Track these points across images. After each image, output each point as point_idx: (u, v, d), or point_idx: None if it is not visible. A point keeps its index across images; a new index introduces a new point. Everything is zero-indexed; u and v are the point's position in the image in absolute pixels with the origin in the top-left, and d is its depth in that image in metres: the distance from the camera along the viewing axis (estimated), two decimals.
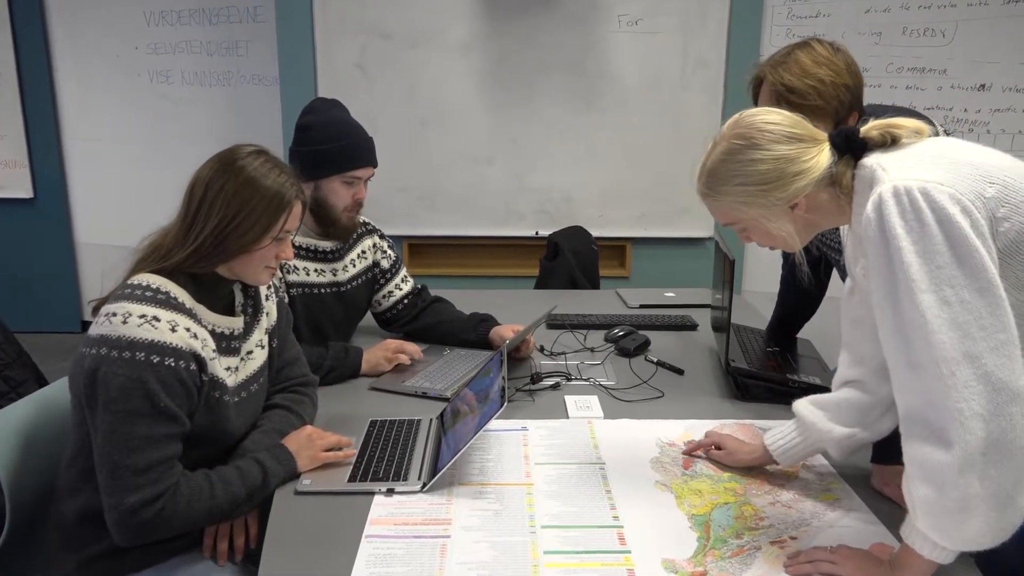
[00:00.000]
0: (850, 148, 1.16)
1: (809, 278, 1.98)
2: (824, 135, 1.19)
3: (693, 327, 2.37)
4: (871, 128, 1.16)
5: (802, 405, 1.42)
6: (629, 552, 1.22)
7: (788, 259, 2.14)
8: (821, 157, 1.17)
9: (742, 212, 1.21)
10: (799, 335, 2.20)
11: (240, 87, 4.08)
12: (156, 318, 1.30)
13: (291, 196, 1.40)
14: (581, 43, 3.52)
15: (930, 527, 1.06)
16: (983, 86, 3.28)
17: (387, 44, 3.53)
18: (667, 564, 1.19)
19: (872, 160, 1.14)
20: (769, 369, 1.91)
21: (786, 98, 1.60)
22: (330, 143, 1.90)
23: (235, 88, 4.09)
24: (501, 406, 1.39)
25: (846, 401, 1.36)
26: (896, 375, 1.08)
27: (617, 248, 3.76)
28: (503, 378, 1.47)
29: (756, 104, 1.71)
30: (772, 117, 1.18)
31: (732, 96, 3.56)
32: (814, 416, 1.38)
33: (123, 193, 4.29)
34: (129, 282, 1.36)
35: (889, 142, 1.15)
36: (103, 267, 4.17)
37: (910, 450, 1.07)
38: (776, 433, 1.45)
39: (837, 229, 1.76)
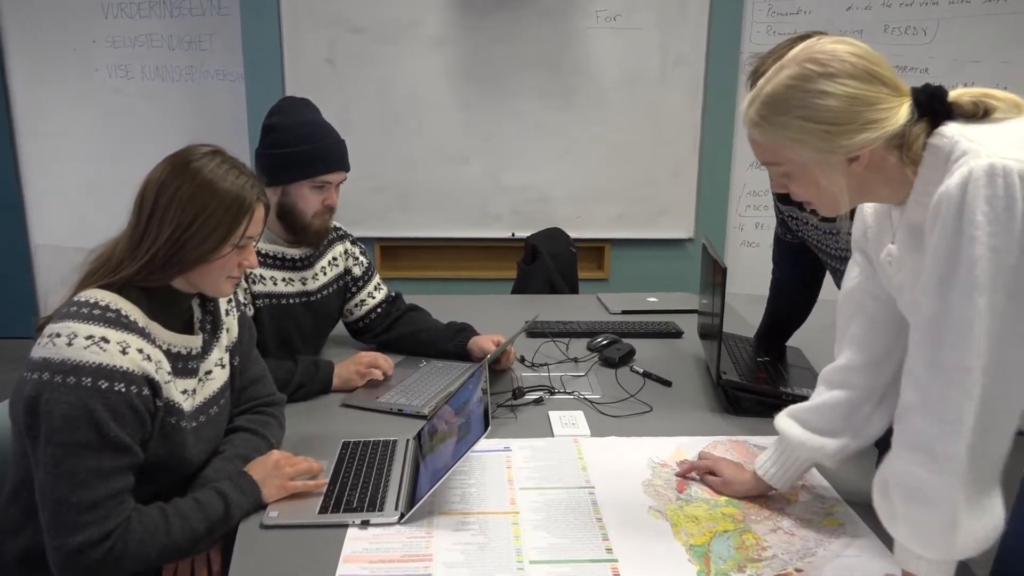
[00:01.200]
0: (932, 110, 1.00)
1: (832, 269, 1.86)
2: (907, 88, 1.02)
3: (678, 334, 2.29)
4: (963, 94, 1.01)
5: (787, 423, 1.34)
6: None
7: (779, 263, 2.06)
8: (901, 111, 1.00)
9: (793, 152, 1.04)
10: (788, 343, 2.12)
11: (203, 83, 3.93)
12: (104, 339, 1.18)
13: (252, 199, 1.28)
14: (558, 39, 3.42)
15: (919, 543, 1.02)
16: (964, 85, 3.24)
17: (358, 38, 3.40)
18: None
19: (954, 130, 0.99)
20: (760, 381, 1.83)
21: None
22: (299, 145, 1.78)
23: (198, 84, 3.94)
24: (485, 430, 1.29)
25: (828, 406, 1.29)
26: (913, 369, 1.00)
27: (595, 249, 3.67)
28: (486, 398, 1.37)
29: None
30: (855, 49, 1.01)
31: (712, 93, 3.49)
32: (802, 435, 1.31)
33: (81, 193, 4.11)
34: (75, 299, 1.23)
35: (980, 114, 1.00)
36: (61, 269, 3.99)
37: (896, 464, 1.03)
38: (766, 460, 1.37)
39: (835, 233, 1.69)
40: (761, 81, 1.06)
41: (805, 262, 1.95)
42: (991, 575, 1.28)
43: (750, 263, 3.44)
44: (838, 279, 1.80)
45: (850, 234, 1.65)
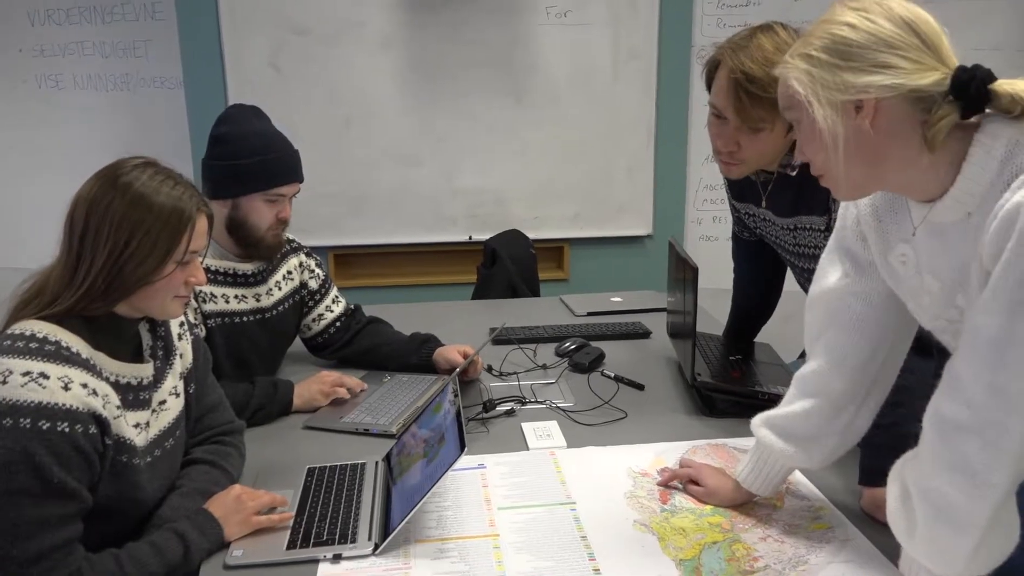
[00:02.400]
0: (966, 93, 0.91)
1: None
2: (954, 63, 0.92)
3: (646, 335, 2.25)
4: (1002, 83, 0.90)
5: (766, 435, 1.29)
6: None
7: (739, 261, 2.04)
8: (928, 75, 0.90)
9: (801, 86, 0.96)
10: (757, 339, 2.10)
11: (140, 91, 3.76)
12: (44, 375, 1.09)
13: (192, 210, 1.19)
14: (508, 36, 3.36)
15: (937, 563, 0.97)
16: None
17: (302, 40, 3.29)
18: None
19: (1013, 130, 0.89)
20: (733, 380, 1.80)
21: (745, 88, 1.47)
22: (250, 157, 1.68)
23: (135, 92, 3.76)
24: (461, 450, 1.22)
25: (808, 413, 1.24)
26: (964, 386, 0.92)
27: (554, 250, 3.62)
28: (459, 414, 1.30)
29: (710, 93, 1.57)
30: (907, 2, 0.94)
31: (665, 88, 3.47)
32: (786, 448, 1.26)
33: (10, 211, 3.91)
34: (9, 332, 1.13)
35: (1018, 113, 0.90)
36: None
37: (929, 480, 0.96)
38: (747, 470, 1.32)
39: (792, 229, 1.66)
40: None
41: (765, 259, 1.93)
42: None
43: (710, 257, 3.43)
44: (797, 274, 1.78)
45: (807, 229, 1.63)
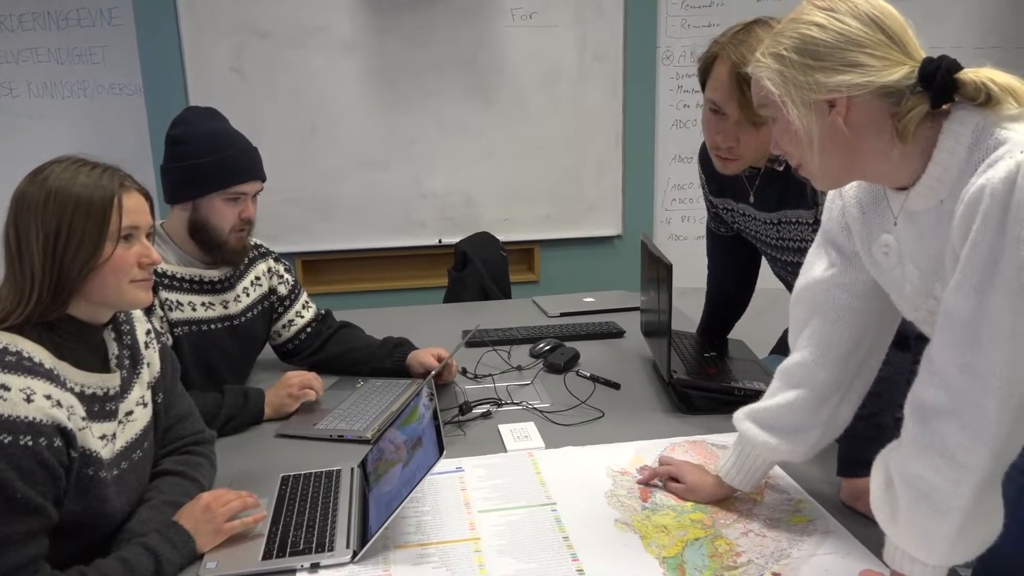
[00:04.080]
0: (933, 83, 0.92)
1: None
2: (921, 55, 0.95)
3: (620, 334, 2.24)
4: (967, 72, 0.93)
5: (749, 428, 1.29)
6: None
7: (714, 257, 2.04)
8: (897, 70, 0.93)
9: (775, 86, 0.98)
10: (730, 335, 2.11)
11: (98, 98, 3.68)
12: (5, 387, 1.05)
13: (112, 188, 1.16)
14: (474, 38, 3.35)
15: (921, 549, 0.98)
16: None
17: (265, 44, 3.24)
18: None
19: (979, 117, 0.91)
20: (709, 377, 1.80)
21: (747, 81, 1.47)
22: (206, 156, 1.64)
23: (92, 99, 3.68)
24: (439, 455, 1.20)
25: (793, 405, 1.24)
26: (940, 370, 0.93)
27: (524, 252, 3.61)
28: (436, 417, 1.28)
29: (704, 90, 1.57)
30: (874, 0, 0.96)
31: (631, 88, 3.48)
32: (771, 441, 1.26)
33: None
34: None
35: (982, 100, 0.92)
36: None
37: (910, 465, 0.97)
38: (729, 465, 1.32)
39: (776, 224, 1.67)
40: None
41: (740, 254, 1.94)
42: (974, 572, 1.27)
43: (679, 256, 3.42)
44: (779, 268, 1.79)
45: (792, 223, 1.64)
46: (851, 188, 1.14)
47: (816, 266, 1.21)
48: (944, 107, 0.95)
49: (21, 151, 3.69)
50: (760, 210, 1.68)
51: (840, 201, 1.16)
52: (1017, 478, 1.19)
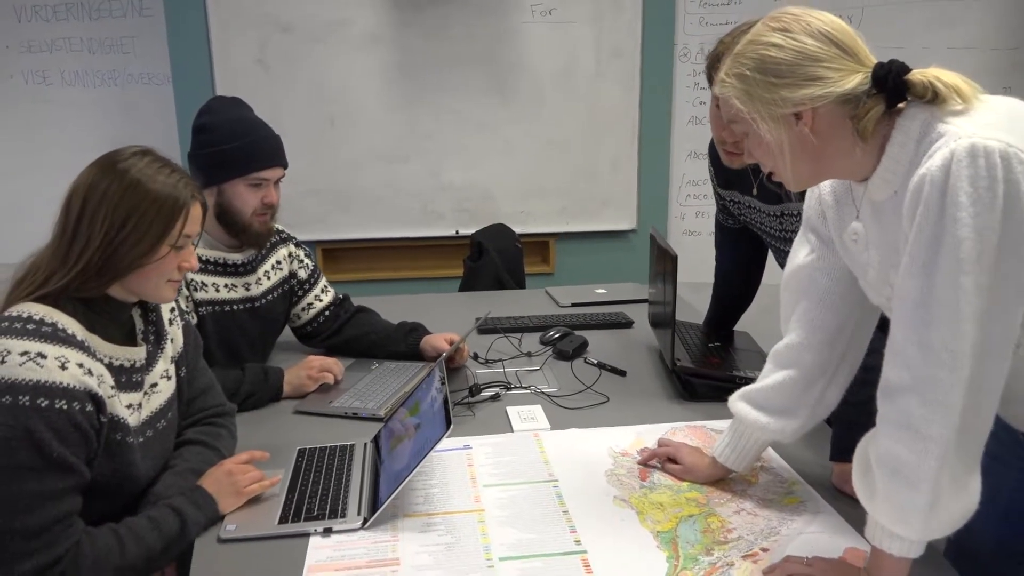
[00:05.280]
0: (885, 86, 1.00)
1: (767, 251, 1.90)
2: (872, 62, 1.02)
3: (629, 324, 2.30)
4: (915, 73, 1.00)
5: (743, 408, 1.35)
6: None
7: (722, 248, 2.09)
8: (852, 78, 1.00)
9: (743, 104, 1.05)
10: (736, 327, 2.15)
11: (128, 87, 3.78)
12: (41, 354, 1.12)
13: (186, 197, 1.23)
14: (493, 34, 3.41)
15: (897, 523, 1.02)
16: None
17: (289, 38, 3.32)
18: None
19: (927, 113, 0.98)
20: (712, 366, 1.85)
21: None
22: (231, 142, 1.72)
23: (123, 88, 3.79)
24: (447, 428, 1.27)
25: (782, 386, 1.30)
26: (899, 350, 0.99)
27: (540, 244, 3.68)
28: (446, 397, 1.35)
29: (711, 86, 1.62)
30: (821, 15, 1.03)
31: (648, 85, 3.52)
32: (761, 419, 1.32)
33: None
34: (6, 314, 1.17)
35: (928, 97, 0.99)
36: None
37: (882, 443, 1.02)
38: (723, 445, 1.38)
39: (779, 216, 1.72)
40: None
41: (747, 246, 1.98)
42: (947, 548, 1.31)
43: (693, 251, 3.49)
44: (782, 260, 1.83)
45: (795, 216, 1.69)
46: (826, 181, 1.19)
47: (800, 252, 1.27)
48: (900, 106, 1.02)
49: (55, 138, 3.81)
50: (764, 202, 1.73)
51: (817, 191, 1.24)
52: (987, 462, 1.24)
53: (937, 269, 0.93)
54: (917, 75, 1.00)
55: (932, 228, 0.93)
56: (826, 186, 1.21)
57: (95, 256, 1.18)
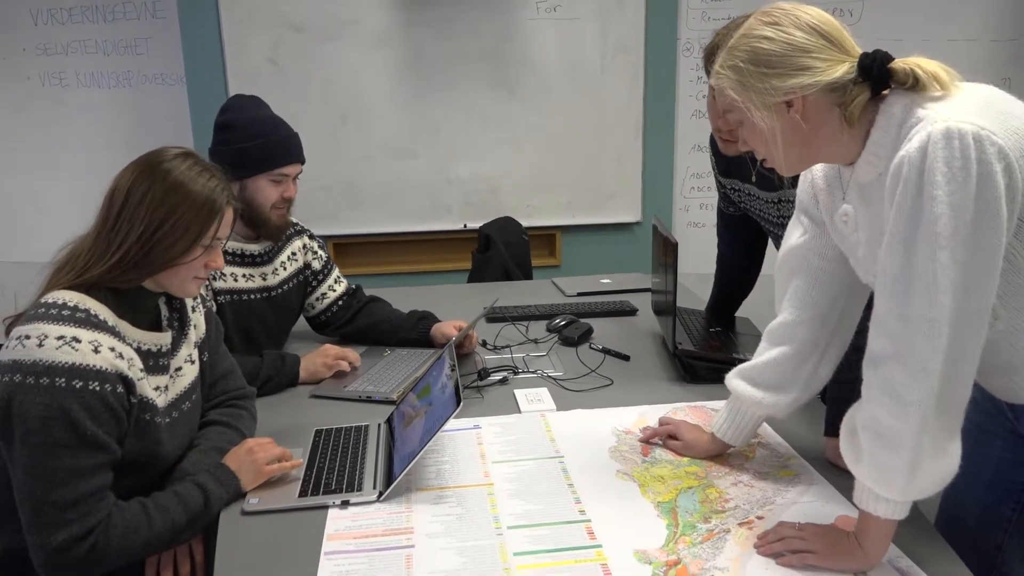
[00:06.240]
0: (870, 74, 1.06)
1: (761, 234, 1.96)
2: (857, 52, 1.09)
3: (632, 312, 2.36)
4: (897, 62, 1.07)
5: (739, 384, 1.42)
6: (600, 546, 1.18)
7: (723, 236, 2.15)
8: (839, 67, 1.07)
9: (737, 94, 1.11)
10: (737, 314, 2.21)
11: (142, 88, 3.86)
12: (76, 339, 1.19)
13: (223, 201, 1.30)
14: (499, 31, 3.47)
15: (880, 484, 1.08)
16: None
17: (300, 37, 3.40)
18: (640, 555, 1.16)
19: (908, 99, 1.05)
20: (713, 349, 1.91)
21: None
22: (254, 140, 1.79)
23: (137, 89, 3.87)
24: (457, 406, 1.34)
25: (776, 362, 1.37)
26: (882, 321, 1.06)
27: (547, 237, 3.74)
28: (456, 376, 1.41)
29: (709, 78, 1.67)
30: (809, 9, 1.09)
31: (652, 79, 3.58)
32: (756, 394, 1.39)
33: (14, 205, 4.00)
34: (43, 300, 1.24)
35: (910, 83, 1.05)
36: (2, 284, 3.87)
37: (866, 409, 1.09)
38: (721, 421, 1.44)
39: (776, 202, 1.77)
40: None
41: (748, 233, 2.04)
42: (937, 517, 1.37)
43: (697, 243, 3.54)
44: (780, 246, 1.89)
45: (791, 202, 1.74)
46: (818, 164, 1.25)
47: (793, 234, 1.34)
48: (883, 93, 1.08)
49: (71, 138, 3.89)
50: (762, 190, 1.79)
51: (810, 176, 1.30)
52: (975, 432, 1.31)
53: (916, 244, 1.00)
54: (899, 63, 1.06)
55: (911, 206, 1.00)
56: (818, 171, 1.27)
57: (132, 251, 1.24)
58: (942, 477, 1.07)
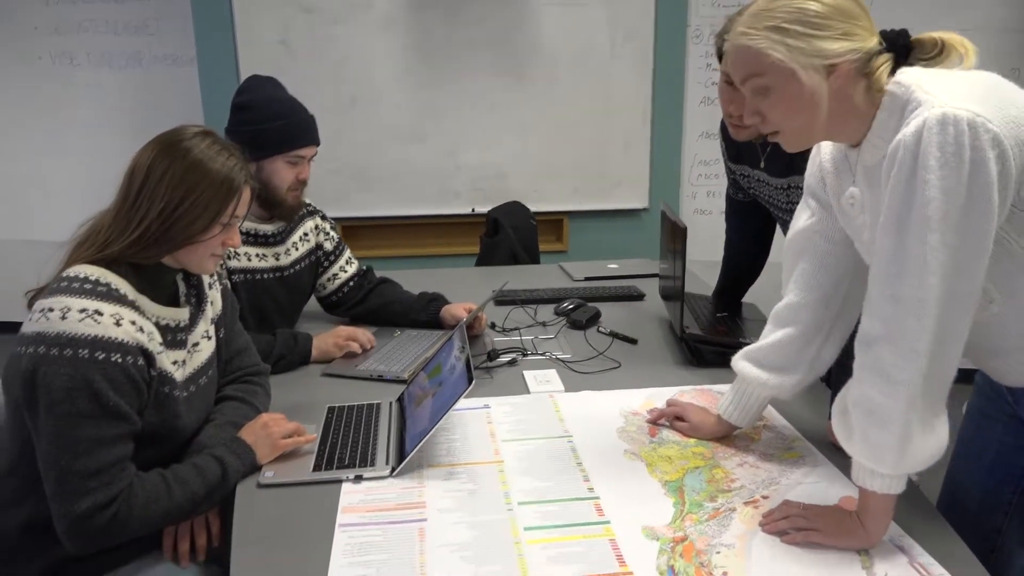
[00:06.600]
0: (895, 45, 1.09)
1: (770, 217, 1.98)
2: (875, 26, 1.11)
3: (640, 297, 2.38)
4: (922, 35, 1.10)
5: (745, 366, 1.44)
6: (609, 522, 1.21)
7: (731, 221, 2.17)
8: (873, 38, 1.08)
9: (778, 56, 1.07)
10: (744, 299, 2.23)
11: (152, 68, 3.88)
12: (99, 312, 1.22)
13: (241, 180, 1.32)
14: (509, 16, 3.47)
15: (872, 459, 1.11)
16: None
17: (310, 19, 3.41)
18: (647, 531, 1.19)
19: (913, 79, 1.07)
20: (720, 334, 1.93)
21: None
22: (272, 122, 1.81)
23: (147, 69, 3.88)
24: (469, 384, 1.36)
25: (781, 343, 1.39)
26: (874, 302, 1.09)
27: (554, 222, 3.76)
28: (466, 356, 1.44)
29: (720, 63, 1.67)
30: None
31: (661, 67, 3.58)
32: (762, 376, 1.41)
33: (24, 184, 4.02)
34: (65, 274, 1.26)
35: (939, 52, 1.09)
36: (8, 264, 3.89)
37: (857, 388, 1.11)
38: (727, 402, 1.47)
39: (785, 188, 1.79)
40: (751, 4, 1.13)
41: (756, 220, 2.06)
42: (939, 500, 1.40)
43: (704, 230, 3.56)
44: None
45: (800, 189, 1.76)
46: (827, 146, 1.28)
47: (801, 217, 1.35)
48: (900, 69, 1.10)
49: (81, 117, 3.91)
50: (772, 175, 1.80)
51: (818, 159, 1.31)
52: (976, 416, 1.33)
53: (908, 226, 1.02)
54: (924, 35, 1.10)
55: (904, 189, 1.02)
56: (826, 154, 1.28)
57: (152, 228, 1.26)
58: (931, 453, 1.10)
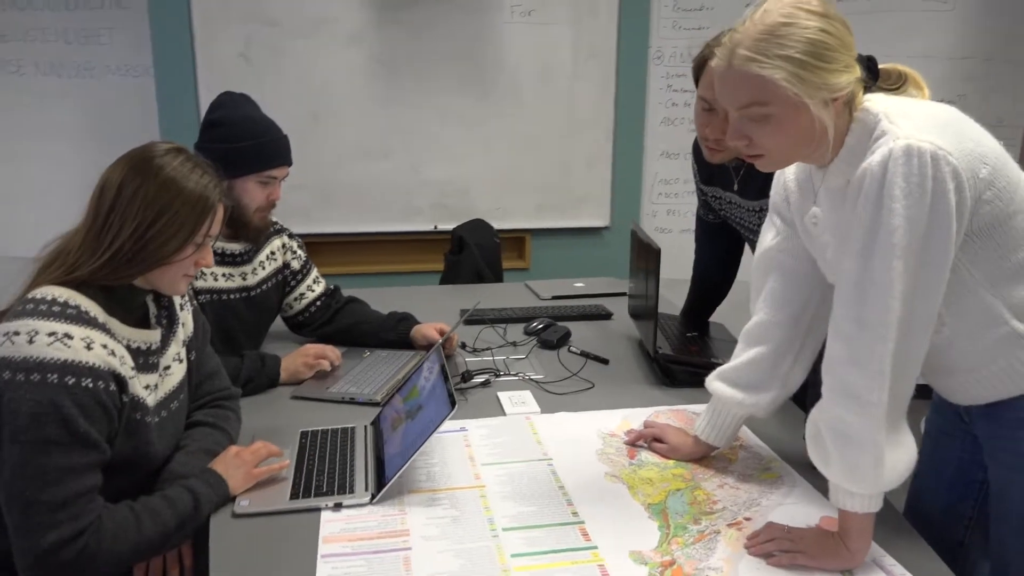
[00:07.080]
0: (869, 73, 1.13)
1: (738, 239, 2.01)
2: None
3: (608, 316, 2.39)
4: (886, 65, 1.15)
5: (719, 386, 1.45)
6: (596, 547, 1.21)
7: (701, 242, 2.19)
8: (857, 67, 1.11)
9: (793, 90, 1.06)
10: (711, 319, 2.26)
11: (104, 79, 3.76)
12: (68, 335, 1.17)
13: (215, 199, 1.29)
14: (474, 33, 3.48)
15: (852, 481, 1.13)
16: None
17: (273, 33, 3.35)
18: (635, 556, 1.19)
19: (880, 107, 1.10)
20: (691, 353, 1.95)
21: None
22: (245, 140, 1.77)
23: (99, 80, 3.76)
24: (452, 408, 1.34)
25: (754, 362, 1.41)
26: (839, 325, 1.12)
27: (516, 239, 3.75)
28: (447, 380, 1.42)
29: (697, 87, 1.69)
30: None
31: (623, 85, 3.62)
32: (736, 395, 1.43)
33: None
34: (31, 296, 1.21)
35: (902, 83, 1.15)
36: None
37: (828, 411, 1.14)
38: (703, 423, 1.48)
39: (758, 211, 1.82)
40: (745, 25, 1.08)
41: (725, 240, 2.09)
42: (904, 511, 1.43)
43: (665, 248, 3.58)
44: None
45: None
46: (792, 166, 1.31)
47: (767, 235, 1.39)
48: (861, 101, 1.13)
49: (27, 128, 3.76)
50: (745, 198, 1.83)
51: (783, 178, 1.35)
52: (935, 435, 1.38)
53: (874, 252, 1.06)
54: (889, 65, 1.15)
55: (870, 216, 1.06)
56: (790, 173, 1.32)
57: (124, 248, 1.22)
58: (906, 465, 1.14)
